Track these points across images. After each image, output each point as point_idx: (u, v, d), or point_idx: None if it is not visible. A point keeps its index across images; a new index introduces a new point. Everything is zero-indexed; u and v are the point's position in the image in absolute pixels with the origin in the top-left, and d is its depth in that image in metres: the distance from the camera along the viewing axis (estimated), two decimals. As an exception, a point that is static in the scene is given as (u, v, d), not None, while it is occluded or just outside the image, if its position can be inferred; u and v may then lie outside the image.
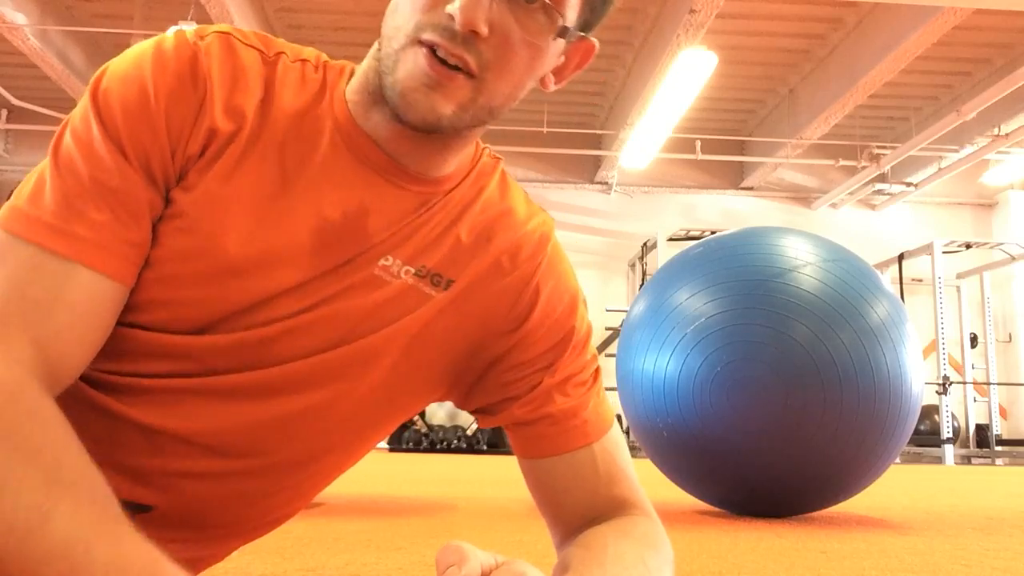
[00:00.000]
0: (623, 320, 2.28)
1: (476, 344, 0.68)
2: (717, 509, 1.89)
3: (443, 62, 0.54)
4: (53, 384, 0.51)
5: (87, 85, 0.57)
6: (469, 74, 0.55)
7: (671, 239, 7.12)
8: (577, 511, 0.69)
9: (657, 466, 1.88)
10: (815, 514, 1.82)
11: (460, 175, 0.66)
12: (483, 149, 0.69)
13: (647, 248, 7.52)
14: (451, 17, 0.53)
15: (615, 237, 8.11)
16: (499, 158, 0.71)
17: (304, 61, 0.63)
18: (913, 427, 1.74)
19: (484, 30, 0.54)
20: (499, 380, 0.69)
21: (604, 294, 7.90)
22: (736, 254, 1.80)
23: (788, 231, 1.89)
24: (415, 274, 0.63)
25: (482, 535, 1.26)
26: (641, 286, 7.62)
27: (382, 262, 0.62)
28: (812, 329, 1.62)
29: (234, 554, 1.01)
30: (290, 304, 0.59)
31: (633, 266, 7.92)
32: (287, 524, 1.36)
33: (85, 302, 0.53)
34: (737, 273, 1.74)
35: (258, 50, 0.60)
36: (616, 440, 0.73)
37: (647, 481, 2.04)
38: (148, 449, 0.59)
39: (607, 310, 7.38)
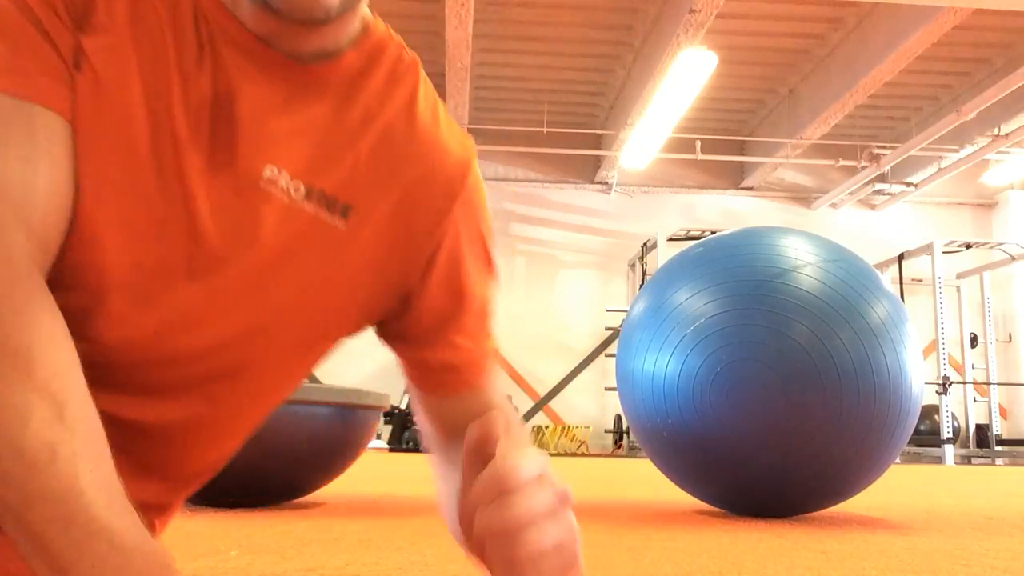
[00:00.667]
0: (623, 320, 2.27)
1: (376, 288, 0.62)
2: (717, 509, 1.89)
3: None
4: (45, 263, 0.47)
5: None
6: None
7: (671, 239, 7.12)
8: (459, 429, 0.62)
9: (657, 466, 1.88)
10: (815, 514, 1.81)
11: (356, 64, 0.58)
12: (397, 43, 0.62)
13: (647, 248, 7.52)
14: None
15: (615, 237, 8.11)
16: (416, 58, 0.63)
17: None
18: (913, 427, 1.73)
19: None
20: (402, 322, 0.65)
21: (604, 294, 7.90)
22: (736, 254, 1.80)
23: (788, 231, 1.89)
24: (305, 196, 0.56)
25: (482, 535, 1.26)
26: (641, 286, 7.62)
27: (267, 172, 0.54)
28: (812, 329, 1.62)
29: (233, 554, 1.01)
30: None
31: (633, 266, 7.92)
32: (287, 524, 1.35)
33: (59, 151, 0.48)
34: (737, 273, 1.74)
35: None
36: (496, 369, 0.71)
37: (647, 481, 2.04)
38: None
39: (607, 310, 7.38)
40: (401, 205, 0.60)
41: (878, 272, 1.83)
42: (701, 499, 1.87)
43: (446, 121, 0.63)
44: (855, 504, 2.08)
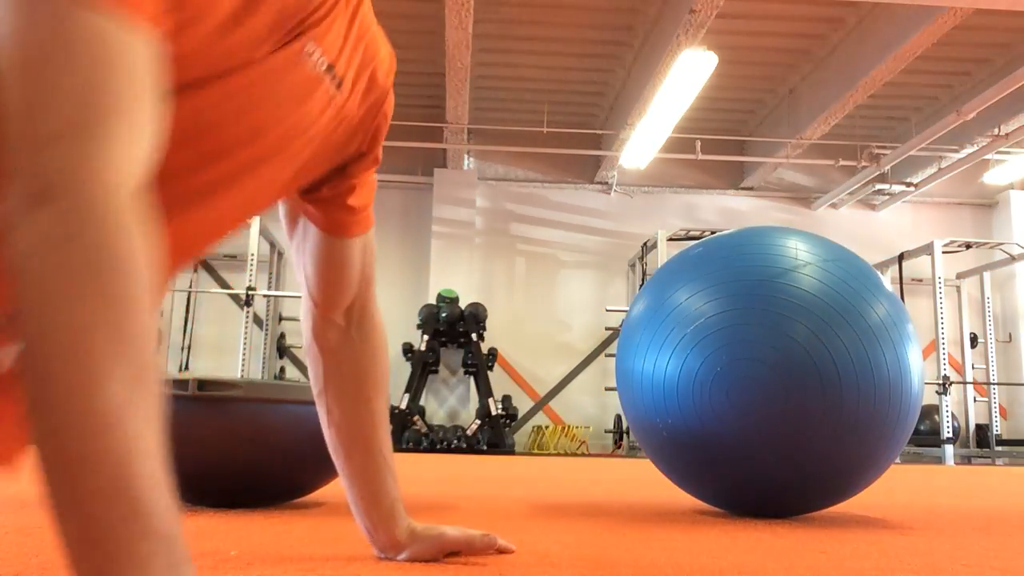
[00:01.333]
0: (622, 320, 2.28)
1: (336, 152, 0.83)
2: (717, 509, 1.89)
3: None
4: (146, 186, 0.49)
5: None
6: None
7: (671, 239, 7.11)
8: (342, 289, 0.93)
9: (657, 466, 1.88)
10: (815, 514, 1.82)
11: None
12: None
13: (647, 248, 7.52)
14: None
15: (615, 237, 8.11)
16: None
17: None
18: (913, 427, 1.74)
19: None
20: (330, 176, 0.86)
21: (604, 294, 7.90)
22: (736, 254, 1.80)
23: (789, 231, 1.88)
24: (327, 69, 0.72)
25: (482, 535, 1.26)
26: (641, 286, 7.62)
27: (308, 47, 0.69)
28: (812, 329, 1.62)
29: (233, 554, 1.01)
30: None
31: (633, 266, 7.92)
32: (287, 524, 1.35)
33: (155, 77, 0.51)
34: (737, 273, 1.74)
35: None
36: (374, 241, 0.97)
37: (647, 481, 2.04)
38: None
39: (607, 310, 7.38)
40: (363, 84, 0.80)
41: (878, 272, 1.83)
42: (701, 499, 1.87)
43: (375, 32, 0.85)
44: (855, 504, 2.08)
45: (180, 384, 1.39)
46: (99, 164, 0.45)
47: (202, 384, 1.38)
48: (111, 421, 0.42)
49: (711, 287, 1.73)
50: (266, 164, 0.70)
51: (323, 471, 1.63)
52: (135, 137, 0.48)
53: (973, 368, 7.76)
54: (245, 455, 1.46)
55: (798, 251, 1.75)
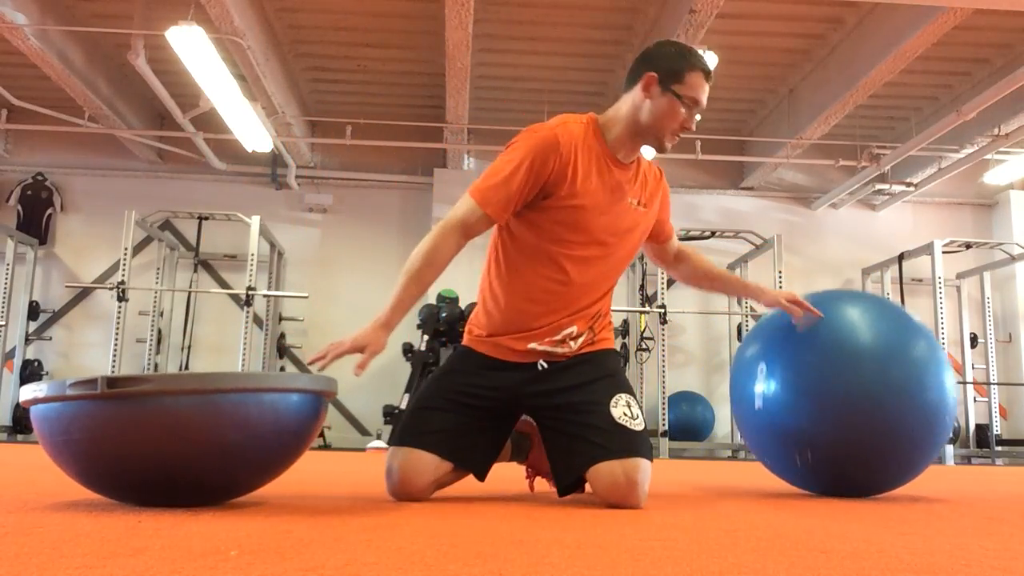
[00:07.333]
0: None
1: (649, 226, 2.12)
2: (717, 509, 1.89)
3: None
4: (471, 231, 1.90)
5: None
6: None
7: (671, 239, 7.08)
8: (679, 255, 2.30)
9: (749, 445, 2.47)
10: (815, 514, 1.82)
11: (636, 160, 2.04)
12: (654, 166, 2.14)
13: (647, 248, 7.48)
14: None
15: (615, 237, 8.09)
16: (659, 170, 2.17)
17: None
18: (947, 435, 2.34)
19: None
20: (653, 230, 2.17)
21: (604, 294, 7.89)
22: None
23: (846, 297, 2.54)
24: (637, 204, 2.01)
25: (482, 535, 1.26)
26: (641, 286, 7.63)
27: (629, 199, 1.99)
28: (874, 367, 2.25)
29: (233, 554, 1.01)
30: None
31: (633, 266, 7.92)
32: (287, 524, 1.35)
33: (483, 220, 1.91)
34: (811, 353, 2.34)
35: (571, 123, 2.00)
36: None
37: (659, 475, 2.04)
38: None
39: (607, 310, 7.37)
40: (651, 199, 2.07)
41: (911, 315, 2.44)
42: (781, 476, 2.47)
43: (655, 169, 2.10)
44: (855, 504, 2.09)
45: (89, 384, 1.37)
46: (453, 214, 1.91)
47: (111, 382, 1.36)
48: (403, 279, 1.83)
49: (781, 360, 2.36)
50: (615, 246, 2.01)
51: (257, 464, 1.58)
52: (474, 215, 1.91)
53: (973, 368, 7.76)
54: (166, 451, 1.43)
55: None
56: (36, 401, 1.45)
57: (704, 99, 1.91)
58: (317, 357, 1.68)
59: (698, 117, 1.94)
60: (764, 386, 2.31)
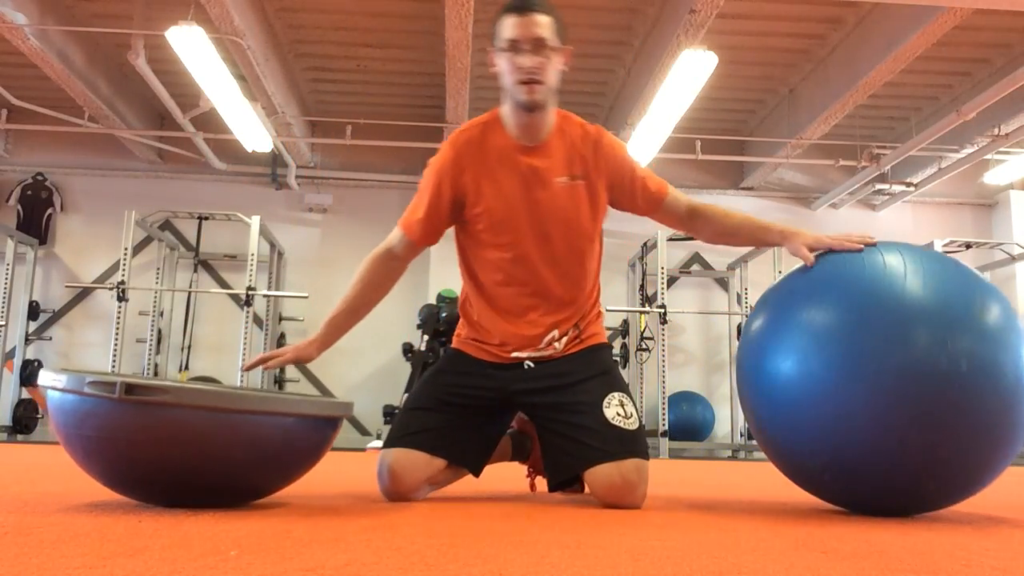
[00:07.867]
0: (740, 328, 2.80)
1: (590, 206, 2.05)
2: (717, 508, 1.89)
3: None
4: (396, 256, 2.00)
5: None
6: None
7: (671, 239, 7.12)
8: (688, 214, 2.13)
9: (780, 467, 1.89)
10: (814, 514, 1.82)
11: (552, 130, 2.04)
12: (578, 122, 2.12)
13: (647, 248, 7.52)
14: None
15: (615, 237, 8.10)
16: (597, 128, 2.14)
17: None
18: None
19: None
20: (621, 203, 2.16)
21: (604, 294, 7.85)
22: (844, 263, 1.83)
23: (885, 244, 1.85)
24: (571, 179, 1.98)
25: (482, 535, 1.26)
26: (641, 286, 7.63)
27: (557, 180, 1.96)
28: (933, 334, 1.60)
29: (233, 554, 1.01)
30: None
31: (633, 266, 7.92)
32: (287, 524, 1.35)
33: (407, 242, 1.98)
34: (848, 283, 1.76)
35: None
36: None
37: (659, 475, 2.04)
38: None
39: (607, 310, 7.37)
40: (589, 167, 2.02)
41: (981, 274, 1.84)
42: (817, 495, 1.86)
43: (587, 132, 2.09)
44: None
45: (107, 387, 1.38)
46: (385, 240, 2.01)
47: (130, 388, 1.38)
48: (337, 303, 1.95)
49: (831, 303, 1.76)
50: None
51: (262, 479, 1.60)
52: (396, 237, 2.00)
53: (973, 368, 7.74)
54: (173, 458, 1.45)
55: (903, 259, 1.73)
56: (54, 389, 1.46)
57: (519, 33, 1.79)
58: (254, 363, 1.85)
59: (538, 59, 1.82)
60: (778, 365, 1.74)
